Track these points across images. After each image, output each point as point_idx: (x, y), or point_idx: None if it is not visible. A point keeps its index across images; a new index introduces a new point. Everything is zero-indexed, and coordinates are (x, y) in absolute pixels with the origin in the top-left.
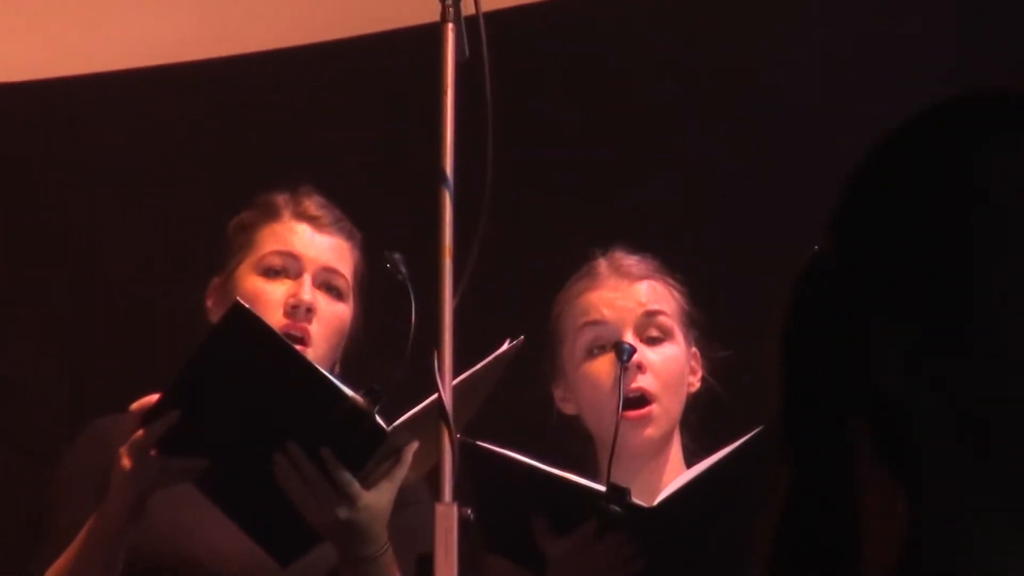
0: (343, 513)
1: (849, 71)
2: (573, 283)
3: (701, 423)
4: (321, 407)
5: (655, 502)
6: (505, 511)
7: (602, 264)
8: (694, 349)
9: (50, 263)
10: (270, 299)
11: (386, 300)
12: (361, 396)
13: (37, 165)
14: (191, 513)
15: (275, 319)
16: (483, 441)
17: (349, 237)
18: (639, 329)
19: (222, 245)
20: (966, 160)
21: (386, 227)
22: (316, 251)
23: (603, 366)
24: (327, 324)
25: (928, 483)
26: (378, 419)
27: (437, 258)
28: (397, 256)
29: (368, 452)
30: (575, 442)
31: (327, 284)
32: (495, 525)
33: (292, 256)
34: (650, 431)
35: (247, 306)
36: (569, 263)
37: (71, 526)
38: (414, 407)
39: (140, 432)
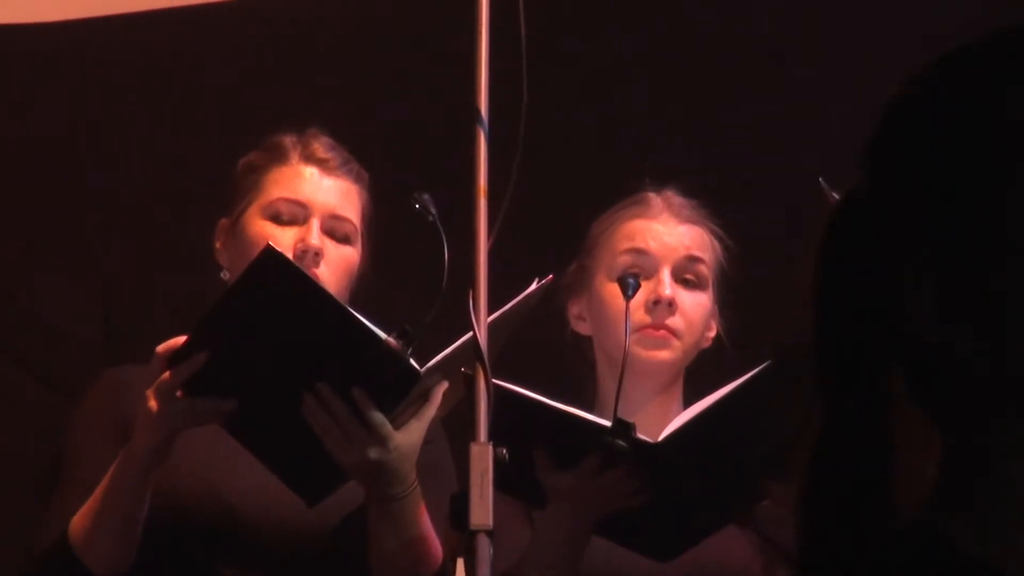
0: (374, 454)
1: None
2: (623, 207)
3: (705, 380)
4: (354, 350)
5: (660, 437)
6: (507, 445)
7: (655, 198)
8: (715, 307)
9: (81, 199)
10: (278, 244)
11: (414, 240)
12: (394, 338)
13: (73, 103)
14: (217, 451)
15: None
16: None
17: (357, 179)
18: (677, 270)
19: (230, 185)
20: (1005, 97)
21: (419, 167)
22: (324, 196)
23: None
24: (335, 268)
25: (962, 423)
26: (411, 361)
27: (472, 198)
28: (426, 197)
29: (401, 394)
30: (580, 365)
31: (334, 230)
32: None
33: (300, 204)
34: (666, 354)
35: (279, 250)
36: (600, 203)
37: (92, 476)
38: (440, 346)
39: (167, 374)
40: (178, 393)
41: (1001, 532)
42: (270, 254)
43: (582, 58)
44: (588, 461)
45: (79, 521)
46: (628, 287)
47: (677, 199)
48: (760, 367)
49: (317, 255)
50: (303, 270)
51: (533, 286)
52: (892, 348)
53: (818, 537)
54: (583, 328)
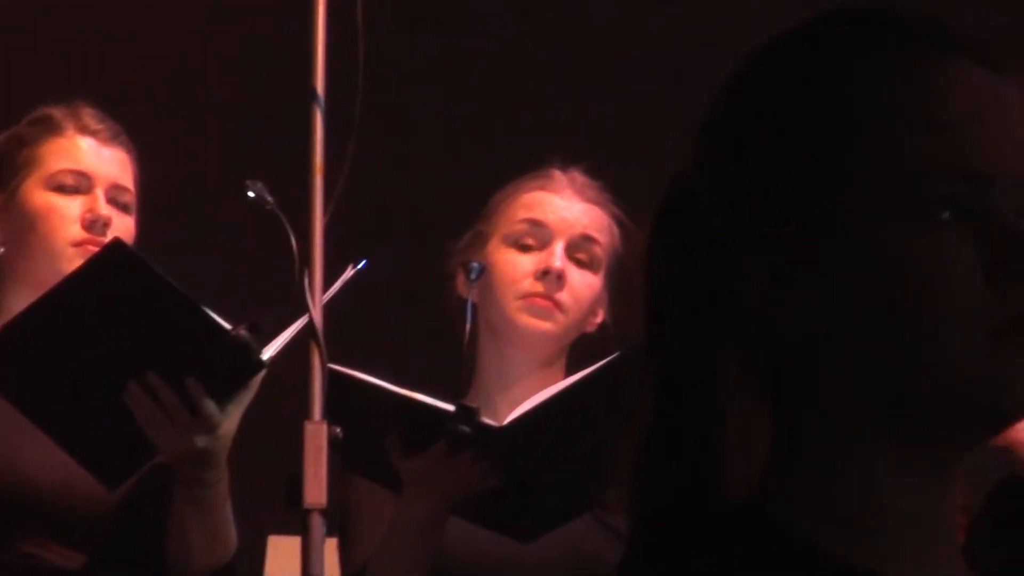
0: (202, 442)
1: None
2: (526, 179)
3: (587, 367)
4: (195, 341)
5: (504, 421)
6: (360, 431)
7: (560, 174)
8: (605, 293)
9: None
10: (65, 214)
11: (248, 227)
12: (244, 329)
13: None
14: (14, 427)
15: (72, 233)
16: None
17: (128, 150)
18: (571, 247)
19: None
20: (836, 78)
21: (255, 147)
22: (106, 167)
23: (521, 261)
24: (120, 237)
25: (793, 402)
26: (259, 352)
27: (308, 177)
28: (260, 185)
29: (239, 384)
30: (463, 333)
31: (116, 200)
32: (352, 445)
33: (83, 175)
34: (548, 325)
35: (128, 244)
36: (443, 183)
37: None
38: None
39: None
40: None
41: (826, 510)
42: (118, 247)
43: (422, 37)
44: (437, 446)
45: None
46: (471, 271)
47: (581, 178)
48: (609, 357)
49: (106, 225)
50: (151, 264)
51: (349, 272)
52: (725, 324)
53: (649, 516)
54: (472, 295)
